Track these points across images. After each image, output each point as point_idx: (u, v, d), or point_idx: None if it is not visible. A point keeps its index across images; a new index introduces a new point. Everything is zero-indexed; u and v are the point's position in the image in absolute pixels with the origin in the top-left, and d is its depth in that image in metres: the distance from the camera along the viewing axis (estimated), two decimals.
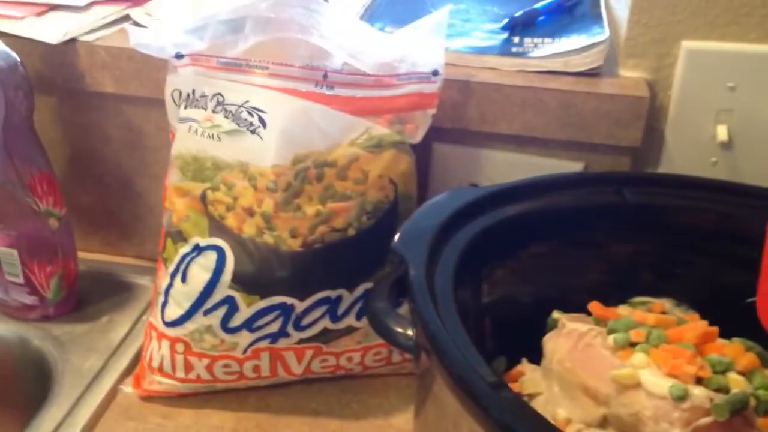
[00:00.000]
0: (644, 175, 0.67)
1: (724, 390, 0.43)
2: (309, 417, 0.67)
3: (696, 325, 0.48)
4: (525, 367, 0.55)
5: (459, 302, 0.48)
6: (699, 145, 0.73)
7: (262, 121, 0.58)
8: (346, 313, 0.64)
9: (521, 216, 0.56)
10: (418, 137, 0.67)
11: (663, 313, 0.56)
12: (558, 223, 0.58)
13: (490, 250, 0.53)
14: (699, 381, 0.44)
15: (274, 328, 0.63)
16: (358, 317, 0.64)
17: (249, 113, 0.58)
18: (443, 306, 0.45)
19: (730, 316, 0.51)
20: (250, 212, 0.60)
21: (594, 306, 0.54)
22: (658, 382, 0.44)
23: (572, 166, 0.75)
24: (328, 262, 0.61)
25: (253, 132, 0.58)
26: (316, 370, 0.67)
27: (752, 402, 0.43)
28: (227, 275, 0.61)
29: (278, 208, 0.59)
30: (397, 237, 0.50)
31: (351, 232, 0.62)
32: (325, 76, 0.60)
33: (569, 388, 0.50)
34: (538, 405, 0.51)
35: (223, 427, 0.65)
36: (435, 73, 0.65)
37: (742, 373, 0.45)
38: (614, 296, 0.58)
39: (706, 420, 0.42)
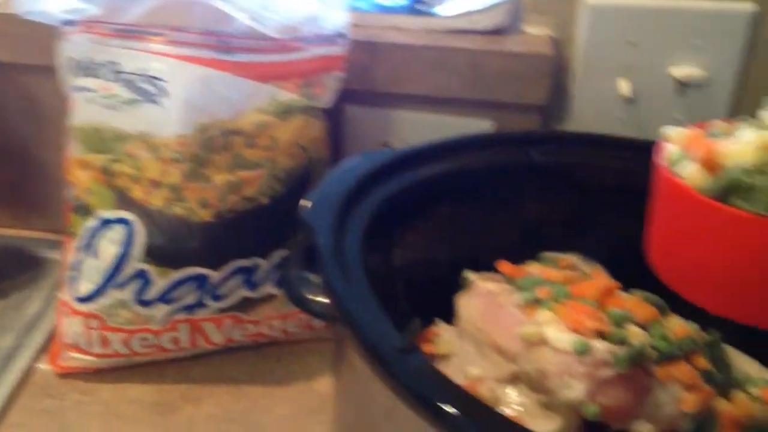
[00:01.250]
0: (550, 134, 0.68)
1: (625, 342, 0.45)
2: (231, 386, 0.67)
3: (598, 281, 0.49)
4: (439, 327, 0.56)
5: (370, 267, 0.48)
6: (604, 100, 0.75)
7: (162, 90, 0.57)
8: (264, 281, 0.64)
9: (430, 178, 0.56)
10: (327, 101, 0.67)
11: (571, 267, 0.58)
12: (467, 184, 0.58)
13: (399, 214, 0.54)
14: (601, 335, 0.45)
15: (191, 299, 0.62)
16: (277, 285, 0.64)
17: (148, 82, 0.57)
18: (353, 273, 0.45)
19: (635, 268, 0.53)
20: (157, 184, 0.58)
21: (503, 265, 0.55)
22: (561, 337, 0.45)
23: (482, 125, 0.76)
24: (241, 231, 0.61)
25: (153, 102, 0.57)
26: (237, 339, 0.67)
27: (651, 353, 0.45)
28: (138, 248, 0.60)
29: (186, 179, 0.58)
30: (304, 205, 0.49)
31: (263, 200, 0.61)
32: (225, 41, 0.59)
33: (481, 347, 0.51)
34: (452, 365, 0.52)
35: (144, 400, 0.65)
36: (340, 35, 0.65)
37: (641, 325, 0.47)
38: (526, 253, 0.60)
39: (607, 372, 0.44)
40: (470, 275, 0.56)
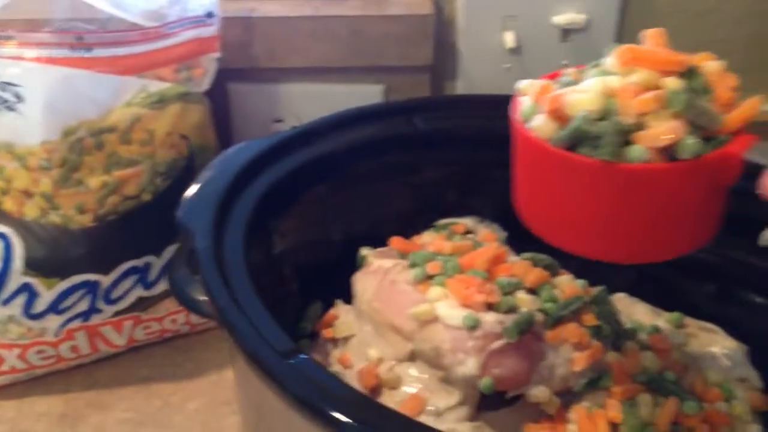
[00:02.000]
0: (431, 101, 0.67)
1: (514, 310, 0.45)
2: (140, 385, 0.65)
3: (487, 250, 0.49)
4: (339, 309, 0.55)
5: (256, 261, 0.47)
6: (490, 53, 0.74)
7: (18, 96, 0.53)
8: (159, 278, 0.62)
9: (313, 159, 0.55)
10: (205, 85, 0.64)
11: (467, 232, 0.58)
12: (354, 159, 0.57)
13: (283, 200, 0.53)
14: (490, 307, 0.45)
15: (83, 306, 0.60)
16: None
17: (2, 89, 0.53)
18: (234, 273, 0.44)
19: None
20: (28, 194, 0.56)
21: (395, 240, 0.54)
22: (452, 314, 0.45)
23: (372, 91, 0.75)
24: (127, 231, 0.59)
25: (10, 109, 0.53)
26: (140, 338, 0.65)
27: (540, 317, 0.45)
28: (18, 262, 0.57)
29: (58, 186, 0.56)
30: (180, 208, 0.48)
31: (146, 197, 0.59)
32: (80, 38, 0.55)
33: (379, 327, 0.50)
34: (353, 347, 0.52)
35: (51, 412, 0.63)
36: (209, 14, 0.62)
37: (531, 290, 0.47)
38: (423, 221, 0.59)
39: (498, 343, 0.44)
40: (365, 252, 0.55)
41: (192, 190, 0.49)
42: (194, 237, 0.45)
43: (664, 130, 0.34)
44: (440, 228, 0.58)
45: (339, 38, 0.69)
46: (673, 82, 0.35)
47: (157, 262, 0.61)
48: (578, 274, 0.52)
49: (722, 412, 0.46)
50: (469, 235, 0.56)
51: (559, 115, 0.36)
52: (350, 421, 0.35)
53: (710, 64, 0.37)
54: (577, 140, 0.35)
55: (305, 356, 0.39)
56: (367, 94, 0.74)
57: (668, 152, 0.34)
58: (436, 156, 0.60)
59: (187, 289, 0.49)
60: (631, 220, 0.36)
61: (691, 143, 0.34)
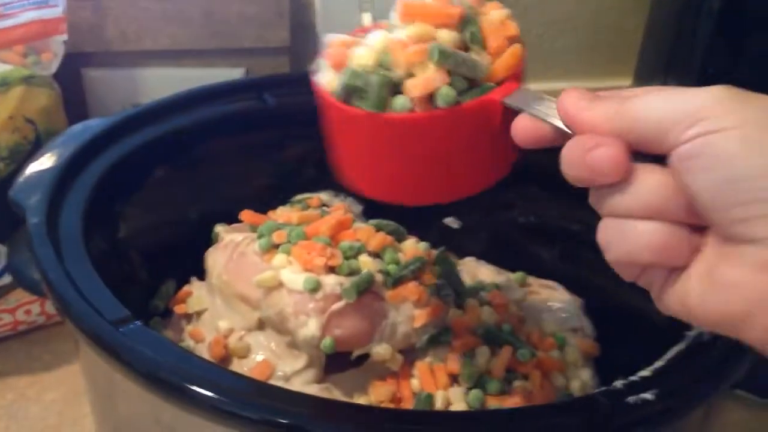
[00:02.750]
0: (280, 77, 0.67)
1: (356, 273, 0.46)
2: None
3: (331, 217, 0.50)
4: (193, 286, 0.55)
5: (98, 242, 0.47)
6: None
7: None
8: (7, 267, 0.60)
9: (161, 137, 0.54)
10: (53, 67, 0.63)
11: (323, 206, 0.59)
12: (204, 137, 0.57)
13: (128, 178, 0.52)
14: (332, 270, 0.46)
15: None
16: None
17: None
18: (70, 250, 0.43)
19: None
20: None
21: (245, 214, 0.55)
22: (295, 278, 0.46)
23: (233, 74, 0.74)
24: None
25: None
26: None
27: (380, 278, 0.46)
28: None
29: None
30: (14, 185, 0.46)
31: None
32: None
33: (229, 299, 0.51)
34: (204, 321, 0.52)
35: None
36: None
37: (375, 253, 0.49)
38: (281, 198, 0.60)
39: (339, 304, 0.45)
40: (219, 228, 0.55)
41: (29, 167, 0.48)
42: (26, 213, 0.44)
43: (420, 81, 0.35)
44: (296, 203, 0.59)
45: (192, 20, 0.69)
46: (444, 34, 0.37)
47: (2, 251, 0.60)
48: (434, 241, 0.54)
49: (554, 358, 0.48)
50: (323, 208, 0.57)
51: (341, 69, 0.38)
52: (193, 387, 0.35)
53: (493, 13, 0.39)
54: (350, 93, 0.37)
55: (138, 323, 0.39)
56: (228, 77, 0.74)
57: (434, 102, 0.36)
58: (290, 132, 0.61)
59: (26, 271, 0.48)
60: (410, 165, 0.37)
61: (445, 93, 0.35)
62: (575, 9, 0.79)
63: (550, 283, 0.56)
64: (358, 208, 0.60)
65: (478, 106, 0.36)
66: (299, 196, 0.60)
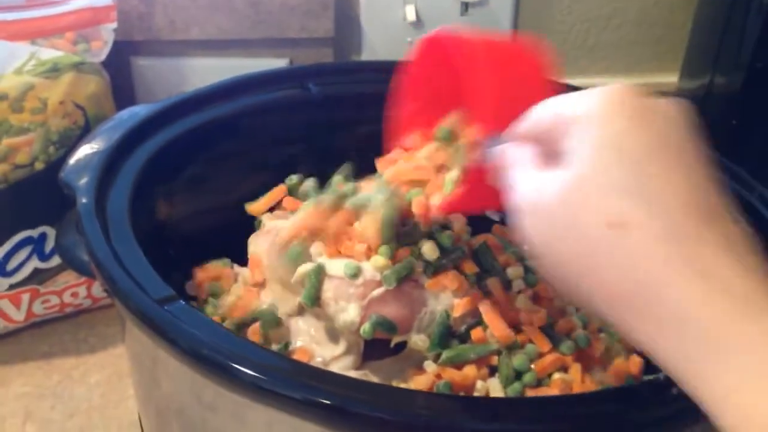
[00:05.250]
0: (325, 66, 0.68)
1: (394, 260, 0.46)
2: (41, 360, 0.65)
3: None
4: (236, 271, 0.56)
5: (142, 224, 0.47)
6: (393, 26, 0.76)
7: None
8: (56, 247, 0.62)
9: (206, 124, 0.55)
10: (102, 55, 0.64)
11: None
12: (247, 125, 0.58)
13: (174, 162, 0.53)
14: (371, 256, 0.46)
15: None
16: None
17: None
18: (117, 230, 0.44)
19: None
20: None
21: (287, 201, 0.55)
22: (334, 264, 0.46)
23: (277, 64, 0.75)
24: (19, 200, 0.58)
25: None
26: (40, 313, 0.65)
27: (419, 266, 0.46)
28: None
29: None
30: (65, 167, 0.48)
31: (39, 166, 0.59)
32: None
33: (270, 284, 0.51)
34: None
35: None
36: None
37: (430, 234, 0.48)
38: (322, 186, 0.60)
39: (379, 290, 0.45)
40: (263, 215, 0.56)
41: (79, 150, 0.49)
42: (76, 194, 0.45)
43: None
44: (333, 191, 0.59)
45: (238, 10, 0.70)
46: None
47: (52, 233, 0.61)
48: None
49: (596, 353, 0.47)
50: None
51: None
52: (235, 365, 0.35)
53: None
54: None
55: (182, 302, 0.39)
56: (272, 67, 0.74)
57: None
58: (331, 120, 0.61)
59: (75, 251, 0.48)
60: None
61: None
62: (621, 5, 0.78)
63: None
64: None
65: None
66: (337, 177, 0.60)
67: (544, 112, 0.35)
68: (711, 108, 0.68)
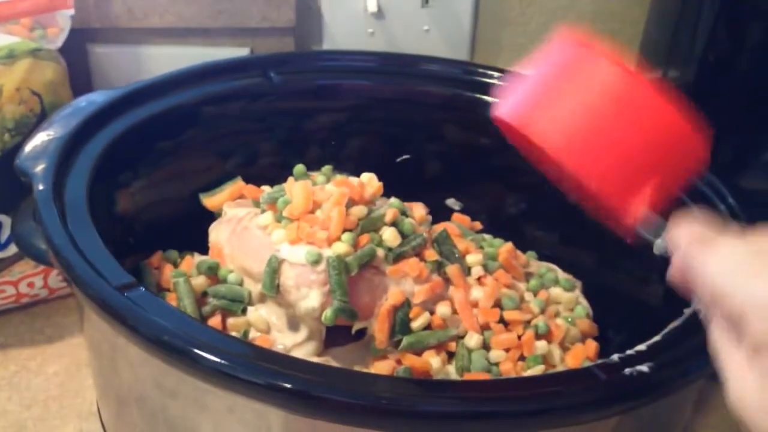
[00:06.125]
0: (287, 56, 0.68)
1: (355, 247, 0.47)
2: None
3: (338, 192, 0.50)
4: (195, 259, 0.55)
5: (101, 210, 0.47)
6: (354, 17, 0.76)
7: None
8: (12, 239, 0.61)
9: (166, 112, 0.55)
10: (59, 41, 0.63)
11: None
12: (208, 111, 0.57)
13: (133, 150, 0.52)
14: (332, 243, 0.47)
15: None
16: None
17: None
18: (75, 217, 0.44)
19: (386, 173, 0.55)
20: None
21: (248, 189, 0.55)
22: (296, 252, 0.46)
23: (238, 53, 0.75)
24: None
25: None
26: None
27: (381, 253, 0.47)
28: None
29: None
30: (20, 153, 0.47)
31: None
32: None
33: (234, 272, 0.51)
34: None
35: None
36: None
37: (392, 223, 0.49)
38: (285, 174, 0.60)
39: None
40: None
41: (35, 136, 0.49)
42: (32, 180, 0.45)
43: None
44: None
45: None
46: None
47: (8, 222, 0.60)
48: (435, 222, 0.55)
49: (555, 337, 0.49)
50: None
51: None
52: (197, 351, 0.35)
53: None
54: None
55: (142, 289, 0.39)
56: (233, 56, 0.74)
57: None
58: (290, 110, 0.61)
59: (31, 239, 0.48)
60: None
61: None
62: None
63: (550, 265, 0.57)
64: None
65: None
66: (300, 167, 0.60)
67: (733, 292, 0.29)
68: None
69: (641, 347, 0.37)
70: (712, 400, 0.49)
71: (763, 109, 0.62)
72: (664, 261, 0.47)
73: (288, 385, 0.34)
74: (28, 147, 0.48)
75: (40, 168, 0.46)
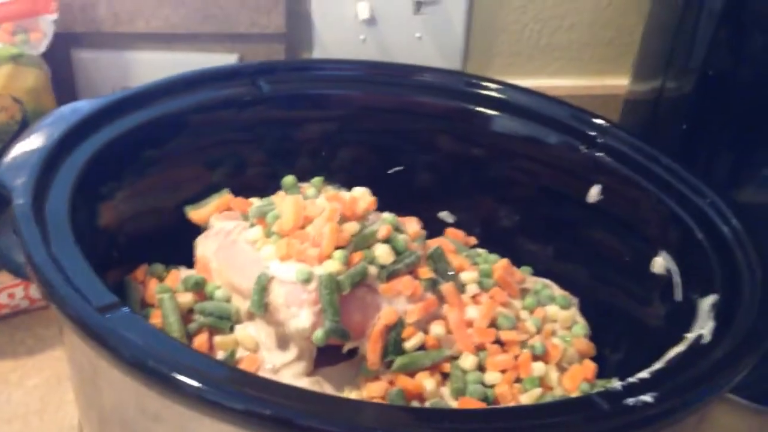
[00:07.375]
0: (276, 64, 0.66)
1: (348, 265, 0.45)
2: None
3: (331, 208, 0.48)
4: (181, 273, 0.54)
5: (84, 225, 0.45)
6: (345, 24, 0.75)
7: None
8: None
9: (152, 121, 0.53)
10: (42, 47, 0.62)
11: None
12: (196, 121, 0.56)
13: (118, 161, 0.51)
14: (323, 261, 0.45)
15: None
16: None
17: None
18: (56, 233, 0.42)
19: (378, 185, 0.53)
20: None
21: (236, 202, 0.54)
22: (286, 269, 0.45)
23: (227, 59, 0.73)
24: None
25: None
26: None
27: (373, 270, 0.45)
28: None
29: None
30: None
31: None
32: None
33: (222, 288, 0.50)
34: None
35: None
36: None
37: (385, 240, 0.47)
38: (274, 186, 0.59)
39: None
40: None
41: (15, 147, 0.47)
42: (12, 194, 0.43)
43: None
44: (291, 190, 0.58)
45: (185, 3, 0.67)
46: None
47: None
48: (428, 236, 0.53)
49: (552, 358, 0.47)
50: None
51: None
52: (178, 376, 0.34)
53: None
54: None
55: (125, 309, 0.37)
56: (221, 63, 0.72)
57: None
58: (284, 119, 0.60)
59: (10, 253, 0.46)
60: None
61: None
62: (575, 5, 0.78)
63: (545, 281, 0.55)
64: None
65: None
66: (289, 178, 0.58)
67: None
68: (662, 112, 0.68)
69: (644, 374, 0.36)
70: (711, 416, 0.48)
71: (763, 120, 0.61)
72: (662, 278, 0.46)
73: (271, 413, 0.33)
74: (8, 158, 0.46)
75: (19, 181, 0.44)
